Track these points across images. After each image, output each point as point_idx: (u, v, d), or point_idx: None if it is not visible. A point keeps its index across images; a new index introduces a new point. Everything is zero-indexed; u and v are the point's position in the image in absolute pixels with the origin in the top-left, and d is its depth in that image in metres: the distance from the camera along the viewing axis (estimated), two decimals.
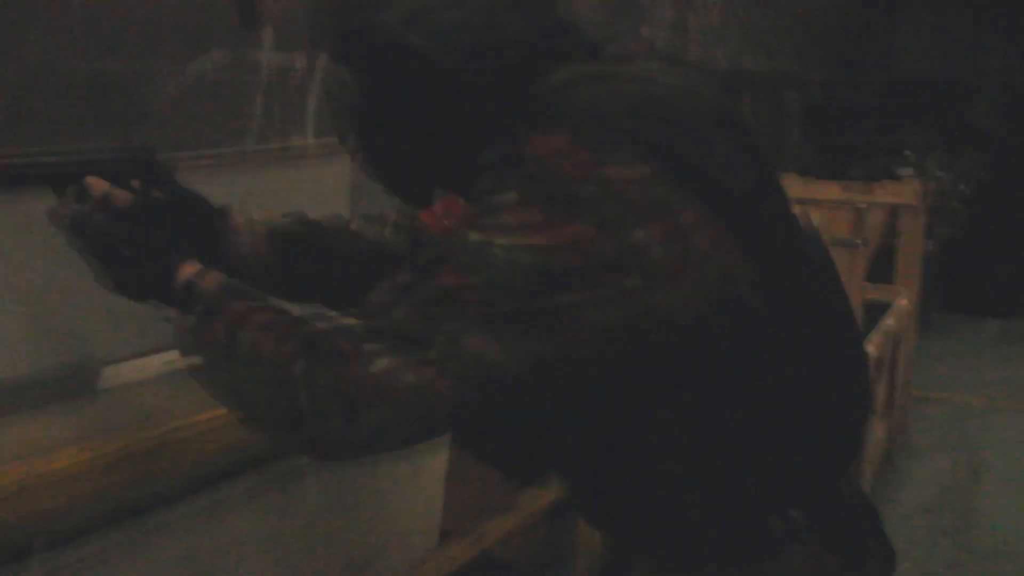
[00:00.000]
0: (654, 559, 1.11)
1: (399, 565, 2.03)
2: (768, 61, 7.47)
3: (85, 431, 1.35)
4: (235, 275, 1.14)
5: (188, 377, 1.09)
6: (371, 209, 1.41)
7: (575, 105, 0.96)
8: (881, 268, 4.61)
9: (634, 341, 0.90)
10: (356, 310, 0.96)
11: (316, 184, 1.94)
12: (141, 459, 1.35)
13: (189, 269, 1.11)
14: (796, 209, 1.09)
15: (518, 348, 0.87)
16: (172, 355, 1.41)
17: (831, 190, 4.27)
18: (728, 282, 0.92)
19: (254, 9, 2.09)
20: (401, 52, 1.01)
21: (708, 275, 0.90)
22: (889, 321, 3.74)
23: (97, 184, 1.17)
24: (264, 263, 1.30)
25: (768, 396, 1.00)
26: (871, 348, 3.20)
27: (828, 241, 1.20)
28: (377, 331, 0.91)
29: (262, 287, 1.19)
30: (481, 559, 2.21)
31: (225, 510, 1.54)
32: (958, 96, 7.70)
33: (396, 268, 1.28)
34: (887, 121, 7.06)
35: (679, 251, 0.88)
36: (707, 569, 1.06)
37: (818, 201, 3.99)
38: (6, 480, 1.22)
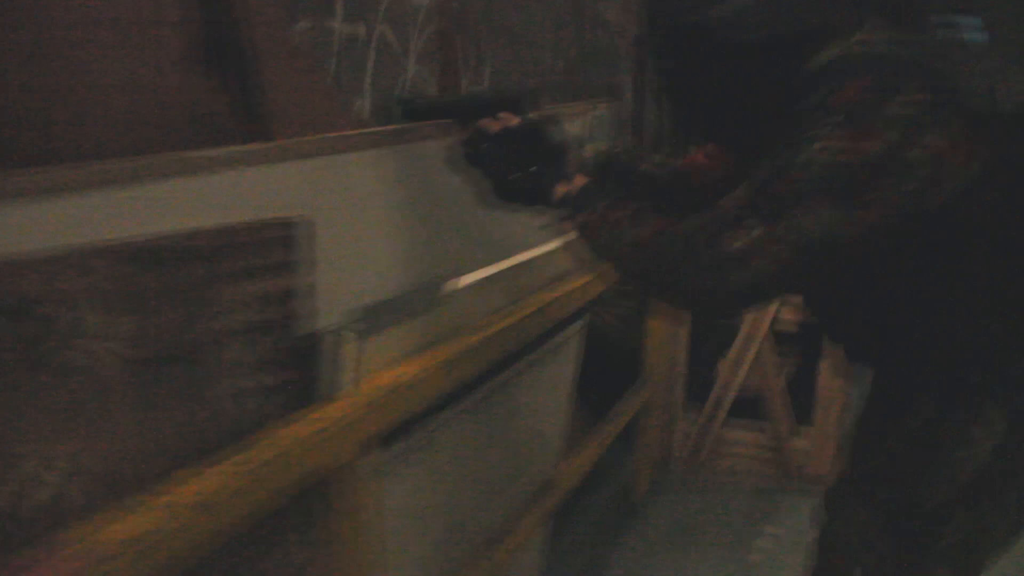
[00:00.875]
0: (926, 397, 1.45)
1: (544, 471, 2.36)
2: None
3: (430, 339, 1.57)
4: None
5: (592, 257, 1.44)
6: None
7: (869, 62, 1.29)
8: None
9: (905, 222, 1.25)
10: (712, 207, 1.32)
11: None
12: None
13: (581, 179, 1.44)
14: None
15: (838, 222, 1.22)
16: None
17: None
18: (969, 182, 1.28)
19: None
20: (701, 33, 1.35)
21: (956, 179, 1.26)
22: None
23: (507, 117, 1.49)
24: None
25: (987, 269, 1.38)
26: None
27: None
28: (733, 219, 1.27)
29: None
30: None
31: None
32: None
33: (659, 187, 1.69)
34: None
35: (940, 166, 1.24)
36: (987, 393, 1.41)
37: None
38: (383, 382, 1.42)
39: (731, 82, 1.39)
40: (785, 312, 3.51)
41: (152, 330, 1.04)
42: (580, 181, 1.44)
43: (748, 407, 3.67)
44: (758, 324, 3.54)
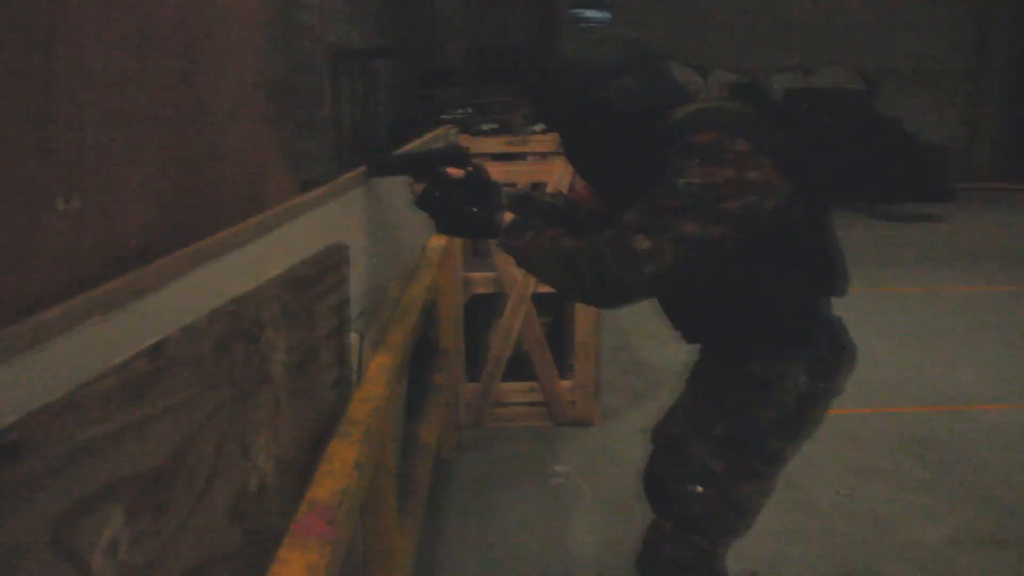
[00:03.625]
0: (754, 358, 2.02)
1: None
2: (365, 37, 8.32)
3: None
4: None
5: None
6: None
7: (712, 120, 1.81)
8: None
9: (750, 223, 1.74)
10: (620, 223, 1.79)
11: None
12: None
13: (510, 215, 1.87)
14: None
15: (705, 228, 1.70)
16: None
17: (496, 144, 5.20)
18: (784, 196, 1.78)
19: None
20: (593, 103, 1.84)
21: (778, 192, 1.77)
22: None
23: (452, 171, 1.88)
24: None
25: (810, 249, 1.94)
26: None
27: None
28: (638, 228, 1.73)
29: None
30: None
31: None
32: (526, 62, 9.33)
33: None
34: (470, 82, 8.41)
35: (766, 183, 1.73)
36: (795, 349, 1.96)
37: (484, 154, 4.86)
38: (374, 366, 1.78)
39: (610, 138, 1.89)
40: None
41: (295, 341, 1.35)
42: (508, 216, 1.87)
43: (521, 366, 4.27)
44: (523, 290, 4.13)
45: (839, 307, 2.09)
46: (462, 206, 1.86)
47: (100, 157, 0.91)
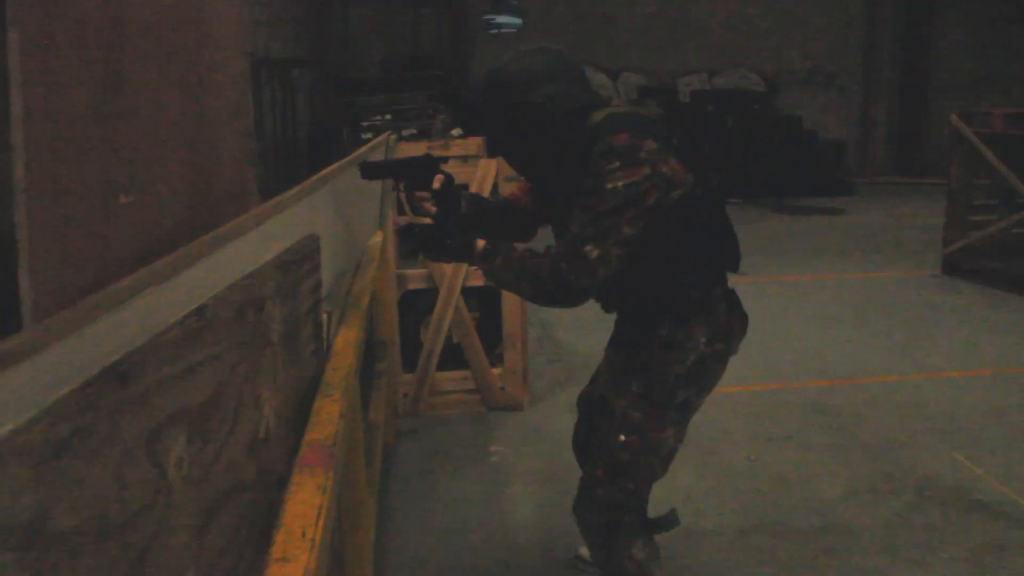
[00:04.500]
0: (662, 323, 2.35)
1: None
2: (284, 46, 8.47)
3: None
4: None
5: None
6: None
7: (624, 123, 2.13)
8: None
9: (664, 210, 2.14)
10: (570, 232, 2.13)
11: None
12: None
13: (482, 241, 2.17)
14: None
15: (637, 226, 2.11)
16: None
17: (417, 149, 5.47)
18: (688, 187, 2.18)
19: None
20: (527, 106, 2.15)
21: (683, 184, 2.15)
22: None
23: (438, 178, 2.24)
24: (472, 217, 2.38)
25: (709, 231, 2.34)
26: None
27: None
28: (585, 238, 2.11)
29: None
30: None
31: None
32: (437, 70, 9.58)
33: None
34: (386, 89, 8.64)
35: (674, 176, 2.10)
36: (697, 315, 2.29)
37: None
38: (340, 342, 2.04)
39: (542, 137, 2.20)
40: (472, 271, 4.41)
41: (286, 314, 1.60)
42: (480, 243, 2.16)
43: (454, 357, 4.54)
44: (453, 285, 4.41)
45: (746, 290, 2.44)
46: (442, 239, 2.15)
47: (147, 167, 1.16)
